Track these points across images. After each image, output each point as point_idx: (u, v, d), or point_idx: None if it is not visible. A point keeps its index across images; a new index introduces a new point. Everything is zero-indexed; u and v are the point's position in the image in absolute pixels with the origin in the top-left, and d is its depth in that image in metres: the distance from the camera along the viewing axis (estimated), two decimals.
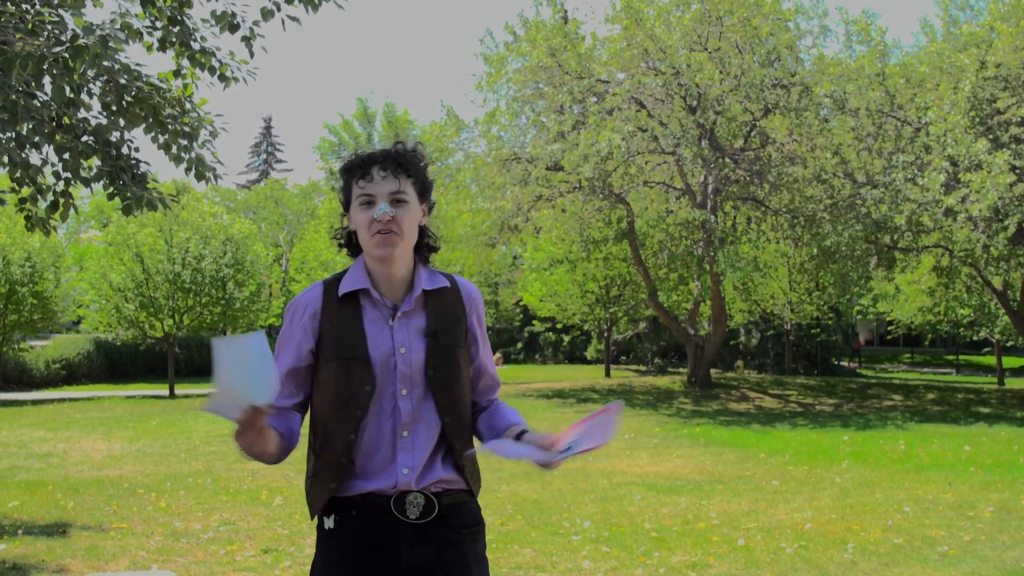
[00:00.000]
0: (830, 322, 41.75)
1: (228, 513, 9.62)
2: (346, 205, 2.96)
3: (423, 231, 3.01)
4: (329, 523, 2.89)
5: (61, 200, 7.70)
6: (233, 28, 7.91)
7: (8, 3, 6.76)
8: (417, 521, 2.83)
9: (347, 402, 2.83)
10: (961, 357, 52.91)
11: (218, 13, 7.92)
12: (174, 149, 7.79)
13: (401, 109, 65.86)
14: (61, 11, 6.91)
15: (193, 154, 7.95)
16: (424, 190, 2.97)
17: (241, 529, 8.83)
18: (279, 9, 7.91)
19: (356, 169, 2.91)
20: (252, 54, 8.07)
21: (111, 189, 7.54)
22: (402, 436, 2.85)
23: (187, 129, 7.81)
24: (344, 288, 2.92)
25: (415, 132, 61.34)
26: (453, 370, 2.93)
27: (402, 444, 2.85)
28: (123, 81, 7.33)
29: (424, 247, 3.02)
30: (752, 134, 24.99)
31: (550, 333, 42.98)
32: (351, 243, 3.01)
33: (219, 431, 18.41)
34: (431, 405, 2.88)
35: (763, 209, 25.87)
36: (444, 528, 2.87)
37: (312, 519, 2.96)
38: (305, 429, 2.98)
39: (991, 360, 46.31)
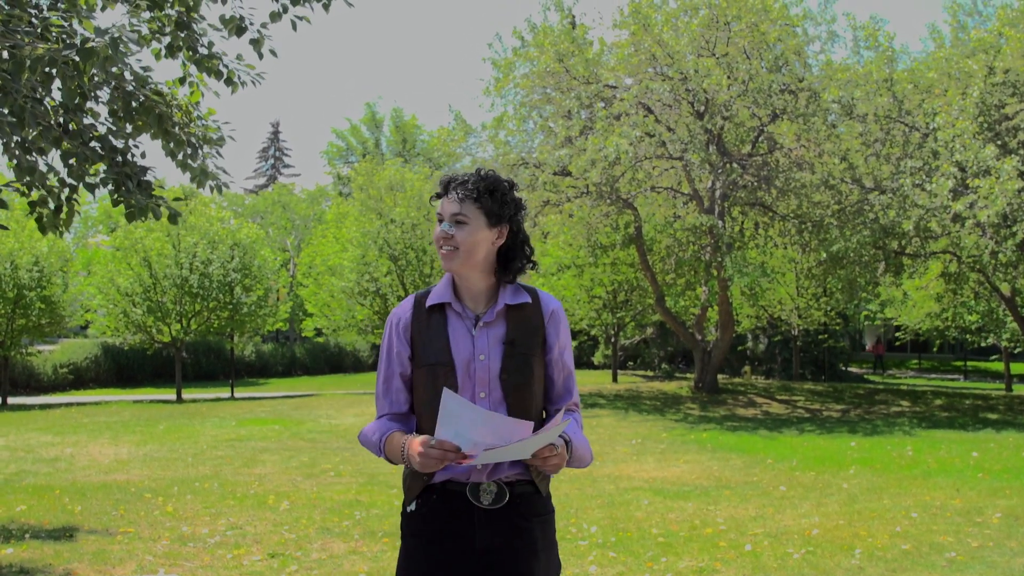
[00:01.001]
0: (837, 328, 41.67)
1: (235, 517, 9.63)
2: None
3: (509, 251, 3.25)
4: (411, 507, 3.21)
5: (65, 206, 7.71)
6: (241, 31, 7.91)
7: (17, 8, 6.77)
8: (490, 507, 3.11)
9: (433, 402, 3.02)
10: (969, 363, 52.76)
11: (226, 17, 7.93)
12: (180, 156, 7.80)
13: (409, 114, 66.07)
14: (70, 15, 6.93)
15: (199, 162, 7.97)
16: (493, 214, 3.17)
17: (248, 534, 8.83)
18: (286, 11, 7.92)
19: (439, 189, 3.23)
20: (261, 56, 8.07)
21: (116, 195, 7.56)
22: None
23: (193, 138, 7.82)
24: (431, 300, 3.24)
25: (423, 137, 61.50)
26: (526, 375, 3.18)
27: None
28: (130, 88, 7.35)
29: (509, 267, 3.26)
30: (760, 139, 24.97)
31: None
32: None
33: (225, 436, 18.47)
34: (504, 407, 3.13)
35: (771, 214, 25.85)
36: (515, 515, 3.13)
37: (408, 508, 3.23)
38: None
39: (999, 366, 46.23)
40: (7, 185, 7.91)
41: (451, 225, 3.13)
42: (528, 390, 3.17)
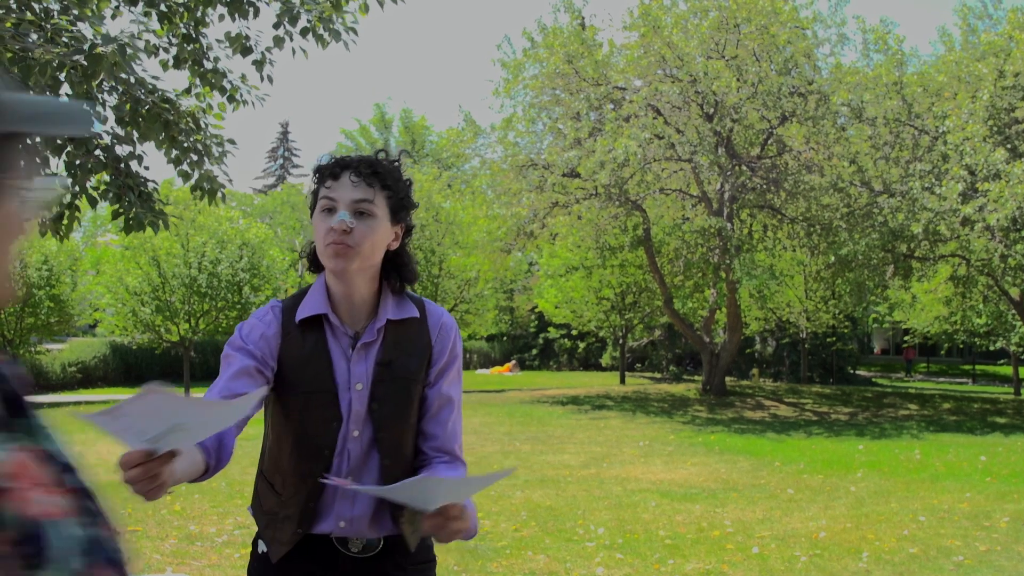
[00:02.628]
0: (846, 331, 41.65)
1: (242, 517, 9.64)
2: (313, 210, 2.59)
3: (397, 256, 2.63)
4: (263, 547, 2.68)
5: (66, 213, 7.76)
6: (246, 51, 8.05)
7: (27, 11, 6.81)
8: (359, 555, 2.57)
9: (313, 439, 2.52)
10: (977, 367, 52.67)
11: (232, 35, 8.05)
12: (184, 165, 7.87)
13: (419, 115, 66.13)
14: (80, 22, 6.97)
15: (203, 171, 8.03)
16: (399, 207, 2.57)
17: (255, 533, 8.83)
18: (291, 38, 8.06)
19: (326, 170, 2.54)
20: (262, 78, 8.21)
21: (117, 207, 7.62)
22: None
23: (199, 147, 7.89)
24: (302, 313, 2.57)
25: (432, 138, 61.54)
26: (401, 406, 2.57)
27: (343, 491, 2.51)
28: (139, 95, 7.40)
29: (396, 274, 2.64)
30: (769, 142, 24.94)
31: (565, 340, 43.01)
32: (314, 256, 2.61)
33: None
34: (375, 447, 2.55)
35: (779, 217, 25.81)
36: (388, 563, 2.59)
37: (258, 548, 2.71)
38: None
39: (1008, 370, 46.12)
40: None
41: (351, 216, 2.45)
42: (404, 422, 2.58)
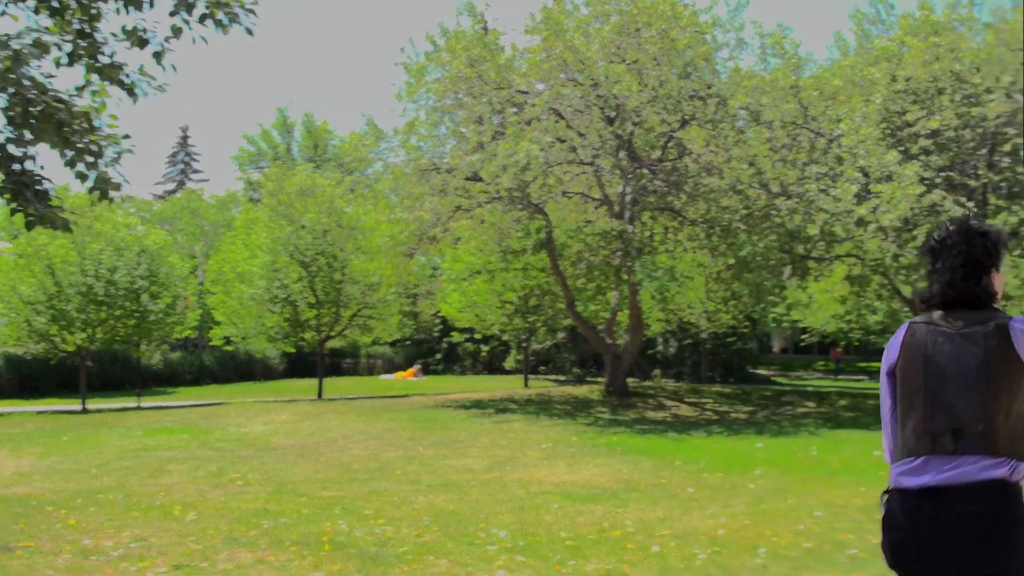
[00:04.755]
0: (746, 331, 42.21)
1: (140, 529, 9.46)
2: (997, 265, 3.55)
3: None
4: None
5: None
6: (142, 43, 7.89)
7: None
8: None
9: None
10: (873, 364, 53.84)
11: (128, 28, 7.89)
12: (79, 167, 7.70)
13: (321, 119, 65.67)
14: None
15: (98, 171, 7.87)
16: None
17: (153, 545, 8.68)
18: (189, 26, 7.92)
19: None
20: (163, 69, 8.04)
21: (14, 205, 7.44)
22: None
23: (93, 147, 7.73)
24: None
25: (335, 142, 61.10)
26: None
27: None
28: (31, 95, 7.23)
29: None
30: (669, 145, 25.21)
31: (469, 343, 42.98)
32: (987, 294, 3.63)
33: (132, 446, 18.15)
34: None
35: (680, 219, 26.11)
36: None
37: None
38: None
39: None
40: None
41: None
42: None
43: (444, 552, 8.43)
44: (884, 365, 3.74)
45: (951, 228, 3.71)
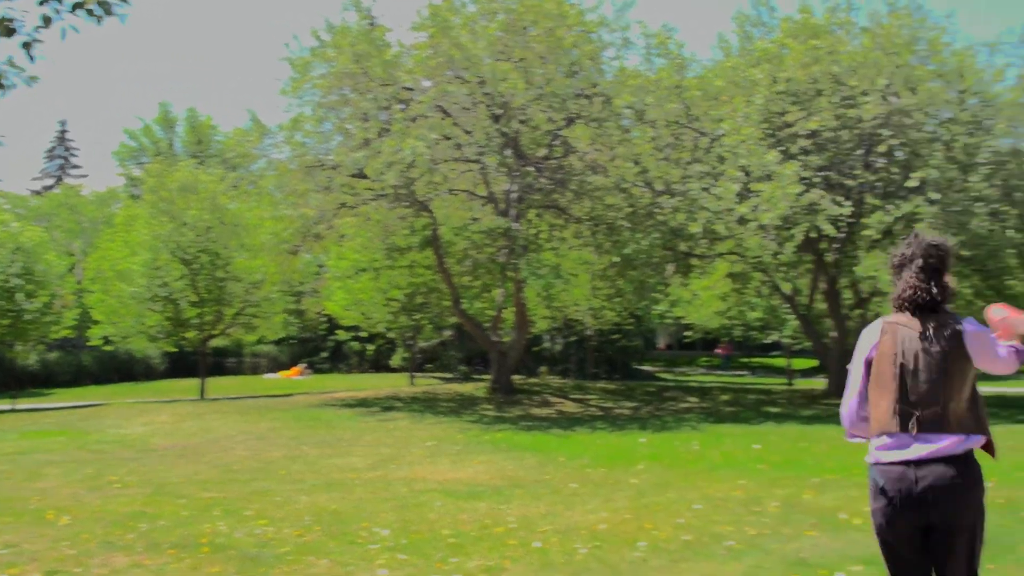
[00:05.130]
0: (630, 327, 42.67)
1: (11, 535, 9.16)
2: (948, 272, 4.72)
3: None
4: None
5: None
6: (9, 32, 7.63)
7: None
8: None
9: None
10: (755, 359, 54.96)
11: None
12: None
13: (205, 114, 64.60)
14: None
15: None
16: None
17: (25, 551, 8.42)
18: (59, 15, 7.68)
19: None
20: (32, 59, 7.80)
21: None
22: None
23: None
24: None
25: (218, 138, 60.18)
26: None
27: None
28: None
29: None
30: (555, 143, 25.32)
31: (355, 342, 42.60)
32: None
33: (6, 449, 17.67)
34: None
35: (565, 217, 26.27)
36: None
37: None
38: None
39: (782, 362, 48.31)
40: None
41: None
42: None
43: (325, 552, 8.35)
44: (860, 353, 4.71)
45: (912, 243, 4.70)
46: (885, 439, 4.51)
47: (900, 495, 4.41)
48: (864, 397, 4.71)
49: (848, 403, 4.79)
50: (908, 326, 4.56)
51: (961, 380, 4.45)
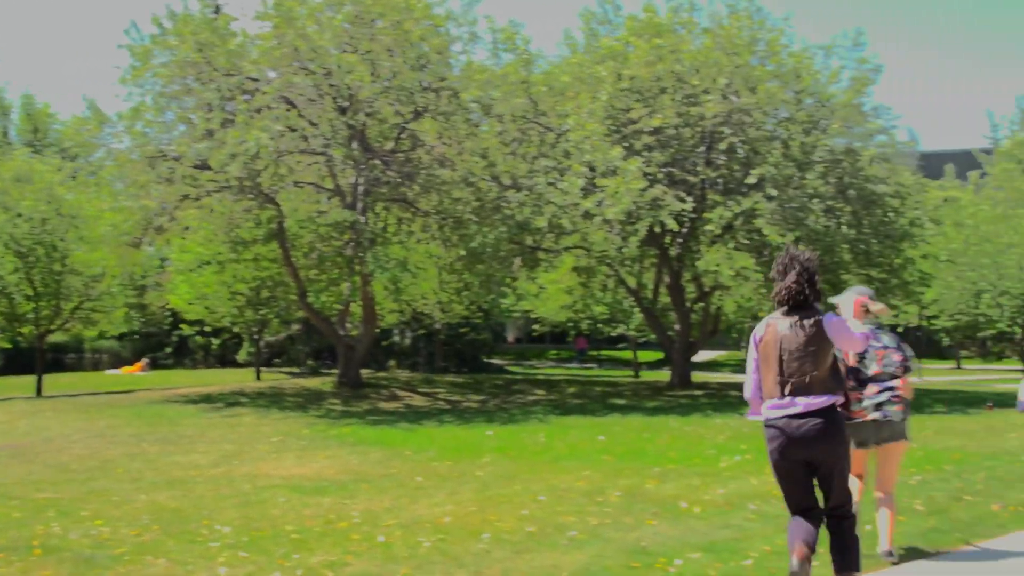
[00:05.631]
0: (479, 321, 42.84)
1: None
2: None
3: None
4: None
5: None
6: None
7: None
8: None
9: None
10: (603, 352, 55.78)
11: None
12: None
13: (42, 101, 62.34)
14: None
15: None
16: None
17: None
18: None
19: None
20: None
21: None
22: None
23: None
24: None
25: (56, 126, 58.21)
26: None
27: None
28: None
29: None
30: (403, 136, 25.25)
31: (200, 336, 41.71)
32: None
33: None
34: None
35: (413, 210, 26.23)
36: None
37: None
38: None
39: (628, 354, 49.19)
40: None
41: None
42: None
43: (164, 551, 8.20)
44: (752, 346, 6.57)
45: (787, 256, 6.39)
46: (773, 402, 6.33)
47: (786, 437, 6.25)
48: (758, 381, 6.51)
49: (749, 388, 6.64)
50: (783, 321, 6.38)
51: (823, 357, 6.27)
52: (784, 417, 6.24)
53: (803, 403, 6.19)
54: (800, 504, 6.37)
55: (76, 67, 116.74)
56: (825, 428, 6.18)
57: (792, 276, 6.28)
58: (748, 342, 6.59)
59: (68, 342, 46.02)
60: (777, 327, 6.36)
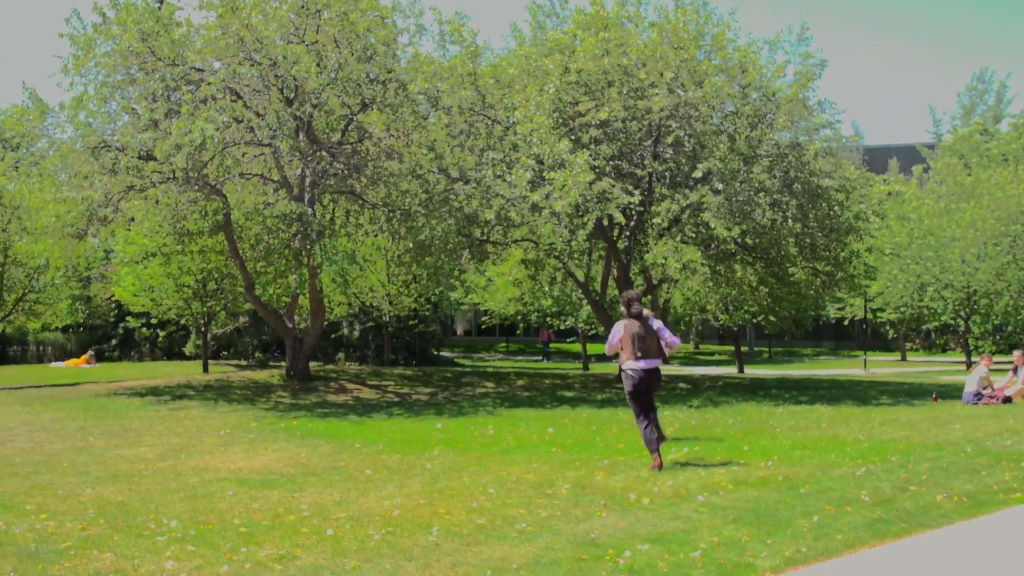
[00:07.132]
0: (428, 314, 42.83)
1: None
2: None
3: None
4: None
5: None
6: None
7: None
8: None
9: None
10: (552, 345, 55.91)
11: None
12: None
13: None
14: None
15: None
16: None
17: None
18: None
19: None
20: None
21: None
22: None
23: None
24: None
25: None
26: None
27: None
28: None
29: None
30: (350, 128, 25.15)
31: (146, 329, 41.37)
32: None
33: None
34: None
35: (361, 203, 26.14)
36: None
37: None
38: None
39: (577, 347, 49.35)
40: None
41: None
42: None
43: (110, 545, 8.14)
44: (616, 329, 11.98)
45: (632, 295, 12.10)
46: (631, 361, 11.74)
47: (640, 377, 11.76)
48: (617, 346, 11.98)
49: (610, 344, 12.12)
50: (633, 322, 11.81)
51: (655, 341, 11.84)
52: (640, 369, 11.73)
53: (646, 362, 11.75)
54: (645, 410, 11.88)
55: (15, 55, 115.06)
56: (656, 375, 11.94)
57: (636, 306, 11.88)
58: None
59: (12, 334, 45.49)
60: (631, 325, 11.81)
